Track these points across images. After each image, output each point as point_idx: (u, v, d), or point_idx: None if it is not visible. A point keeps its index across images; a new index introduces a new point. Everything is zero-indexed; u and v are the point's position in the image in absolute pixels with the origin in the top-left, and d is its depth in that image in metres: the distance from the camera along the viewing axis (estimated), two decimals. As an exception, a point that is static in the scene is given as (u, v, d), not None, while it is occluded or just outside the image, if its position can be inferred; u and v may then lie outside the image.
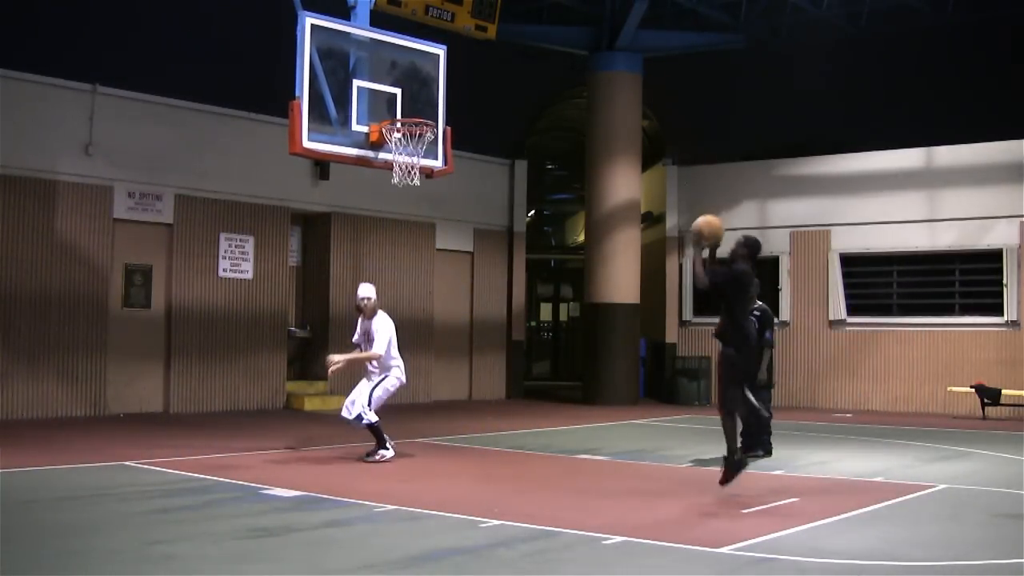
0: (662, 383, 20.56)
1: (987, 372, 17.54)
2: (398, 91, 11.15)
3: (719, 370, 8.69)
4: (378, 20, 11.67)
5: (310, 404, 16.99)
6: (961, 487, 9.38)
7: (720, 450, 11.90)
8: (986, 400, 16.95)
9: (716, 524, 7.53)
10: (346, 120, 10.76)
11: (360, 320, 10.86)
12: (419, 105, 11.26)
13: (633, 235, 19.75)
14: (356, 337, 10.95)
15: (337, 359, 10.66)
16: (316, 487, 8.74)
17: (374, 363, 10.65)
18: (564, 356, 27.46)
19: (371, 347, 10.60)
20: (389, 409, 11.15)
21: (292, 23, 10.59)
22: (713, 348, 20.19)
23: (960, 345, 18.17)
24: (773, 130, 20.62)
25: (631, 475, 10.24)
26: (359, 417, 10.50)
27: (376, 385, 10.62)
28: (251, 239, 16.92)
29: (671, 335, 20.97)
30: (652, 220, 21.53)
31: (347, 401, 10.69)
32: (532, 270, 24.08)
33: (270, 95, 13.83)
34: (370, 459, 10.50)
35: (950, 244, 18.48)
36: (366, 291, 10.82)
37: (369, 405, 10.52)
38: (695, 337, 20.63)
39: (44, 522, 7.18)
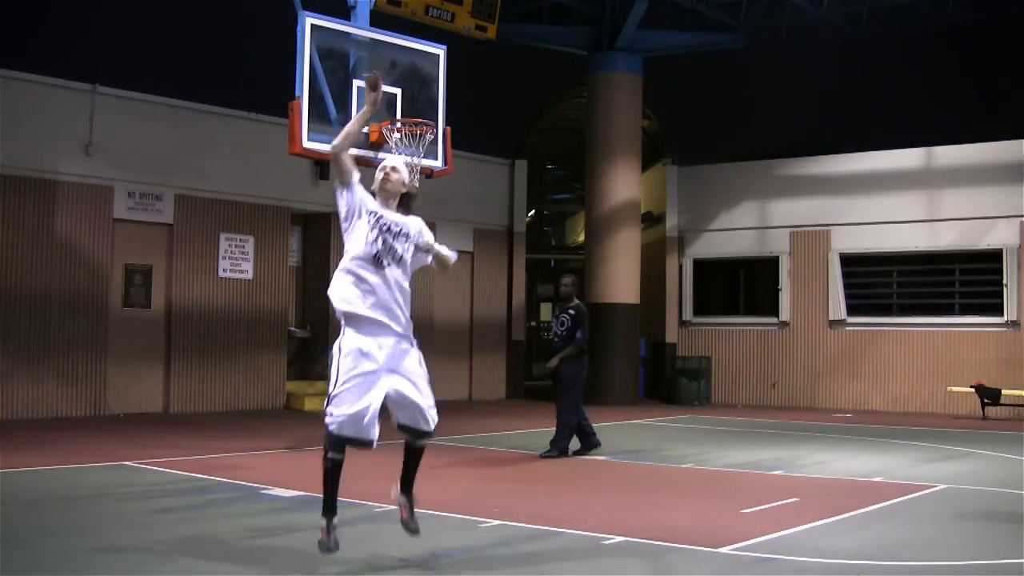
0: (662, 383, 20.56)
1: (987, 372, 17.53)
2: (398, 91, 11.15)
3: None
4: (378, 20, 11.68)
5: (310, 404, 16.95)
6: (961, 487, 9.37)
7: (722, 450, 11.89)
8: (986, 400, 16.94)
9: (716, 524, 7.52)
10: (346, 120, 10.73)
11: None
12: (419, 105, 11.27)
13: (633, 235, 19.73)
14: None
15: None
16: (316, 487, 8.69)
17: None
18: (564, 356, 27.33)
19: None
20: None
21: (292, 23, 10.60)
22: (713, 348, 20.13)
23: (960, 345, 18.16)
24: (773, 130, 20.61)
25: (631, 475, 10.24)
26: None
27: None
28: (251, 239, 16.91)
29: (671, 335, 20.96)
30: (652, 220, 21.52)
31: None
32: (532, 270, 24.04)
33: (270, 95, 13.83)
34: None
35: (950, 244, 18.47)
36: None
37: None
38: (695, 337, 20.63)
39: (44, 522, 7.18)
